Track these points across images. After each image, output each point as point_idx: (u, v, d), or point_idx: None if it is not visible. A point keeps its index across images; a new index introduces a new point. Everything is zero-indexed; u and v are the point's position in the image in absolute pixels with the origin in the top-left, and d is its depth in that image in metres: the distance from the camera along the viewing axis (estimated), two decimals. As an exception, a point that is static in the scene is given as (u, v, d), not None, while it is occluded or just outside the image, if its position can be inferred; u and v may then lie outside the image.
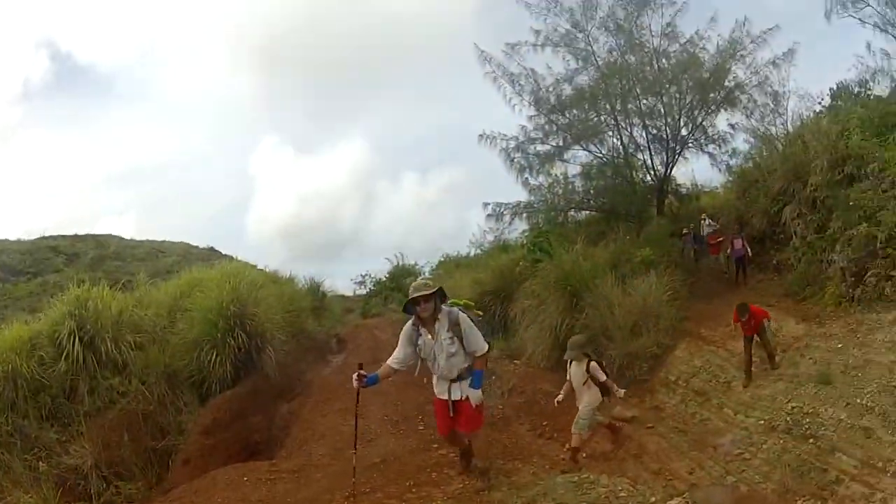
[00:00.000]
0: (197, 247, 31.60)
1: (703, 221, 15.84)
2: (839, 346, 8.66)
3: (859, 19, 13.43)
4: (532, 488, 6.04)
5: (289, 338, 12.44)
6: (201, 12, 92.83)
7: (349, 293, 30.22)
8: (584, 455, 7.87)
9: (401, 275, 25.26)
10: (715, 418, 9.01)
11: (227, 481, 7.10)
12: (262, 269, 18.71)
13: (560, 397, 7.48)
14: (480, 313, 6.31)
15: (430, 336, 5.49)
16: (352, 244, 65.90)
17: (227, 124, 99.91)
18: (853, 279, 9.42)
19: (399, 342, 5.69)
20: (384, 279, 25.92)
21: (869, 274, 9.15)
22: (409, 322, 5.64)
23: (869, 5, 13.14)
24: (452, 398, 5.70)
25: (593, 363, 7.16)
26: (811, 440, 7.42)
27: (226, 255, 25.96)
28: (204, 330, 10.63)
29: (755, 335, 9.19)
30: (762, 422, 8.26)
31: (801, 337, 9.62)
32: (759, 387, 9.08)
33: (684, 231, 15.64)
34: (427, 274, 26.83)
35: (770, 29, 15.99)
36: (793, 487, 6.86)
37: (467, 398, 5.63)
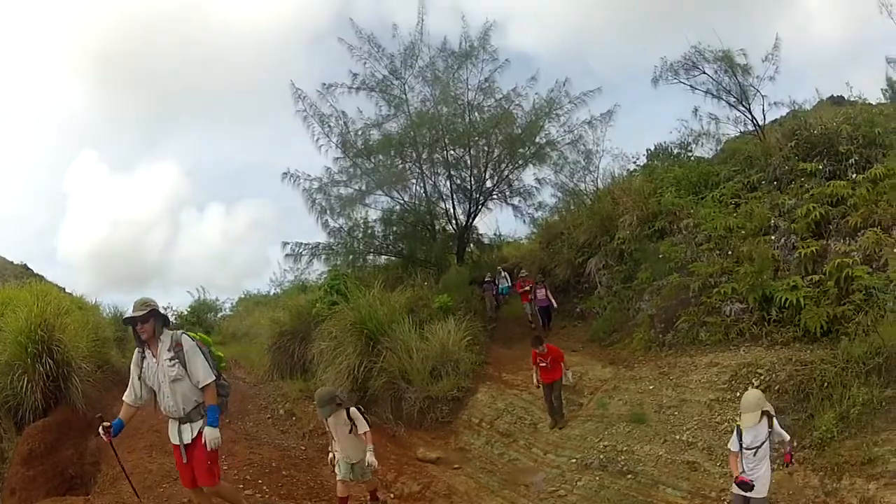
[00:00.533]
0: (12, 262, 28.33)
1: (499, 274, 16.00)
2: (651, 387, 8.77)
3: (690, 86, 14.33)
4: (340, 530, 5.70)
5: (94, 368, 11.32)
6: (43, 16, 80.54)
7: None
8: (392, 496, 7.39)
9: (202, 309, 23.86)
10: (524, 458, 8.72)
11: (43, 516, 6.74)
12: (68, 294, 16.81)
13: (331, 456, 6.28)
14: (223, 355, 5.61)
15: (153, 358, 4.99)
16: (157, 274, 59.27)
17: (57, 135, 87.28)
18: (662, 325, 9.71)
19: (130, 373, 5.11)
20: (186, 313, 23.81)
21: (681, 320, 9.44)
22: (137, 349, 5.12)
23: (704, 72, 14.11)
24: (184, 441, 4.98)
25: (353, 409, 6.11)
26: (629, 475, 7.27)
27: (37, 275, 23.40)
28: (15, 353, 9.83)
29: (551, 385, 9.08)
30: (574, 460, 8.07)
31: (608, 380, 9.69)
32: (567, 427, 8.93)
33: (486, 279, 15.64)
34: (228, 311, 25.95)
35: (591, 91, 16.77)
36: (615, 519, 6.67)
37: (196, 442, 4.95)
